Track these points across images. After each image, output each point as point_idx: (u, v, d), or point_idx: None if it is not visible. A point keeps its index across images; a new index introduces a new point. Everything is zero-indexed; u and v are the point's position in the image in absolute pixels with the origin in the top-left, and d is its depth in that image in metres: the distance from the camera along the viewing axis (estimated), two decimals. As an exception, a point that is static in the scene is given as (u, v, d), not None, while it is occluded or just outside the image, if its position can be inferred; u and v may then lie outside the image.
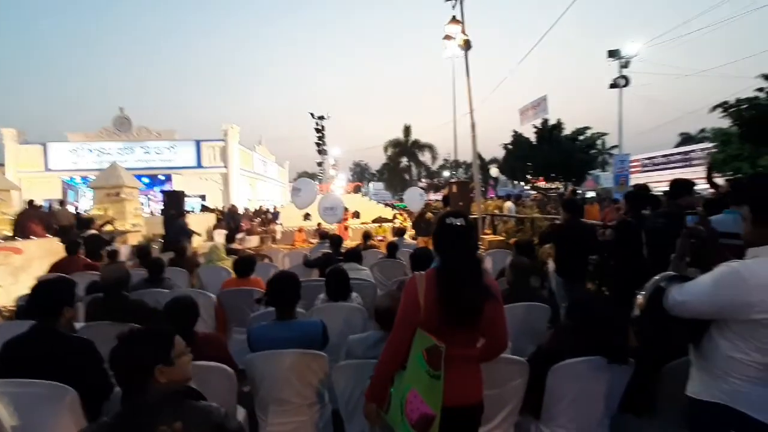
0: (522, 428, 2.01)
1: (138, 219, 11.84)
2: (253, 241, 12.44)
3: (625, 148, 17.75)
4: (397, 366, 1.49)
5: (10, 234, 8.16)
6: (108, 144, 18.99)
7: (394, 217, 15.20)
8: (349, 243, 10.95)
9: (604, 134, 21.36)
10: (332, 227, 11.03)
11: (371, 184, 40.04)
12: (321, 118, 20.53)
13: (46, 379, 1.91)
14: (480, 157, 33.45)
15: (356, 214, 14.86)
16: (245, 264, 3.72)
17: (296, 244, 12.34)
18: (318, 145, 20.99)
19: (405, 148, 29.64)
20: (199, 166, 19.82)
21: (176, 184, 18.97)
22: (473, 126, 8.88)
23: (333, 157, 24.58)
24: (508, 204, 12.55)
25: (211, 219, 14.29)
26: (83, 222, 8.21)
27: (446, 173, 33.60)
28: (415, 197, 11.67)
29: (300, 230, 13.31)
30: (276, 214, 15.57)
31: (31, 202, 8.94)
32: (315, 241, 12.96)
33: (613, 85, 16.25)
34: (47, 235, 7.66)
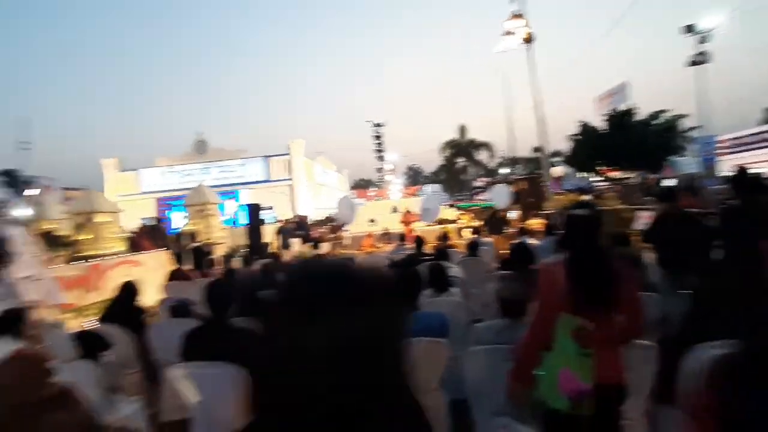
0: (652, 414, 2.03)
1: (222, 232, 13.01)
2: (324, 248, 13.10)
3: (707, 129, 16.19)
4: (541, 347, 1.61)
5: (122, 249, 9.43)
6: (190, 166, 21.00)
7: (458, 218, 15.14)
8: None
9: (683, 116, 19.56)
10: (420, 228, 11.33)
11: (428, 187, 40.10)
12: (378, 125, 21.05)
13: (217, 361, 2.30)
14: (540, 150, 32.23)
15: (419, 217, 15.01)
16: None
17: (364, 249, 12.79)
18: (377, 151, 21.51)
19: (461, 148, 29.34)
20: (268, 180, 21.20)
21: (247, 198, 20.48)
22: (541, 120, 8.69)
23: (391, 162, 25.02)
24: (584, 197, 11.91)
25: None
26: (187, 236, 9.26)
27: (503, 171, 32.74)
28: (503, 194, 11.00)
29: (368, 235, 13.77)
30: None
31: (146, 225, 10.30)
32: (381, 245, 13.34)
33: (694, 63, 14.89)
34: (155, 249, 8.73)
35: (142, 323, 3.41)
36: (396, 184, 29.50)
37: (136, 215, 16.24)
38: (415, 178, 63.35)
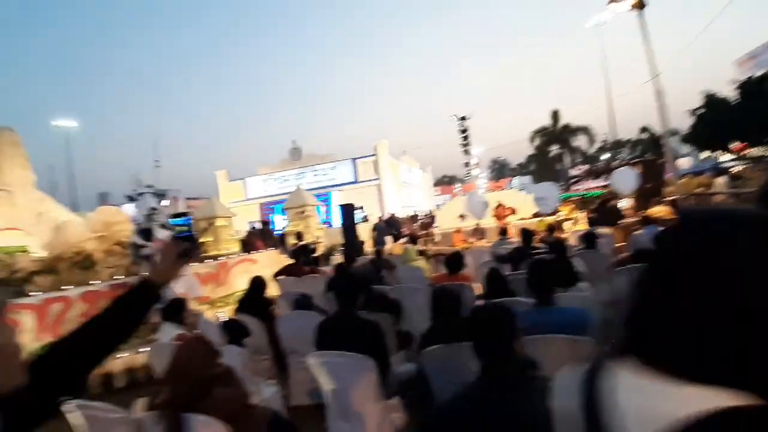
0: None
1: (320, 232, 13.82)
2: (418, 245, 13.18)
3: None
4: None
5: (237, 250, 10.57)
6: (287, 172, 22.76)
7: (557, 210, 14.03)
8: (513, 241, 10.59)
9: None
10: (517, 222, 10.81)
11: (515, 179, 37.97)
12: (464, 118, 20.52)
13: (349, 351, 2.38)
14: (648, 130, 28.36)
15: (513, 211, 14.24)
16: (455, 260, 3.93)
17: (455, 245, 12.54)
18: (462, 145, 20.99)
19: (554, 134, 27.11)
20: (356, 181, 22.02)
21: (339, 200, 21.51)
22: (659, 93, 7.60)
23: (476, 156, 24.23)
24: (721, 180, 10.00)
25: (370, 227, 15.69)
26: (292, 236, 10.06)
27: (605, 156, 29.49)
28: (628, 178, 9.07)
29: (458, 231, 13.47)
30: (433, 218, 16.11)
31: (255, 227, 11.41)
32: (473, 240, 12.94)
33: None
34: (267, 248, 9.60)
35: (270, 314, 3.71)
36: (481, 178, 28.43)
37: (243, 220, 18.07)
38: (500, 171, 60.59)
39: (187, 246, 1.05)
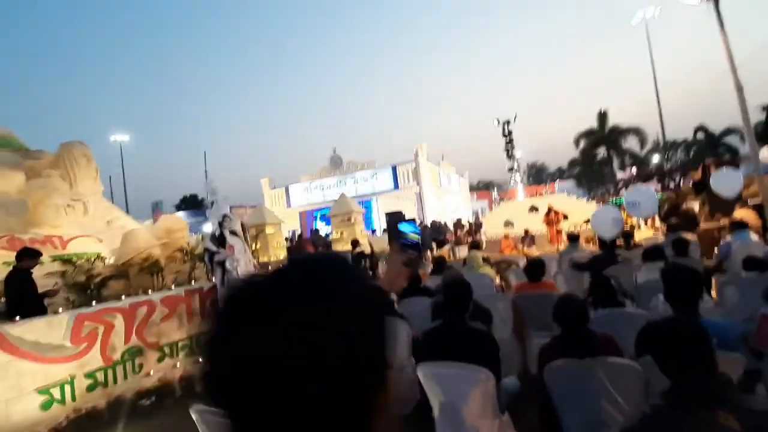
0: None
1: (364, 239, 13.85)
2: (463, 251, 12.92)
3: None
4: None
5: (285, 256, 10.75)
6: (327, 180, 23.08)
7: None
8: (563, 247, 10.11)
9: None
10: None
11: (555, 184, 36.64)
12: (507, 122, 20.04)
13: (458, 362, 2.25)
14: (704, 129, 26.56)
15: (565, 216, 13.69)
16: (537, 267, 3.74)
17: (504, 251, 12.16)
18: (506, 150, 20.48)
19: (602, 137, 25.88)
20: (396, 187, 21.99)
21: (380, 207, 21.54)
22: (740, 89, 7.04)
23: (517, 161, 23.59)
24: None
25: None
26: (354, 244, 10.20)
27: (655, 159, 27.88)
28: (733, 181, 7.65)
29: (506, 237, 13.10)
30: (479, 224, 15.78)
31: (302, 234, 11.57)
32: (522, 247, 12.51)
33: None
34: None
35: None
36: (521, 183, 27.62)
37: (285, 227, 18.42)
38: (537, 176, 58.82)
39: (413, 254, 0.99)
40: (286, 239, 12.50)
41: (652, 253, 3.88)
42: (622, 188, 24.61)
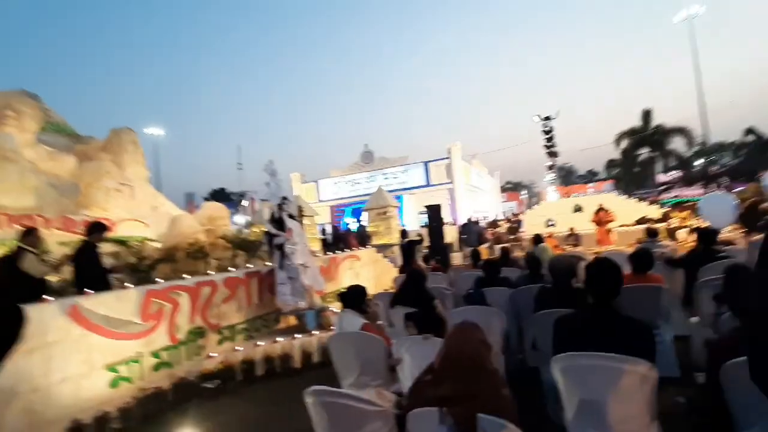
0: None
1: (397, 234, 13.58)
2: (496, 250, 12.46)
3: None
4: None
5: (316, 249, 10.54)
6: (358, 175, 22.93)
7: (666, 215, 12.58)
8: (613, 248, 9.54)
9: None
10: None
11: (603, 184, 35.26)
12: (548, 118, 19.34)
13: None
14: (754, 131, 24.95)
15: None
16: (645, 258, 3.34)
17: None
18: (547, 147, 19.76)
19: (645, 137, 24.59)
20: (428, 184, 21.61)
21: (411, 203, 21.19)
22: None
23: (551, 160, 22.74)
24: None
25: (452, 230, 15.15)
26: (404, 234, 9.98)
27: (699, 161, 26.39)
28: None
29: (549, 236, 12.55)
30: (519, 222, 15.26)
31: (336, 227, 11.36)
32: (566, 246, 11.94)
33: None
34: (360, 247, 9.46)
35: (433, 309, 3.37)
36: (553, 183, 26.71)
37: (316, 221, 18.33)
38: (566, 178, 57.18)
39: None
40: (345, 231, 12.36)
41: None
42: (664, 191, 23.42)
